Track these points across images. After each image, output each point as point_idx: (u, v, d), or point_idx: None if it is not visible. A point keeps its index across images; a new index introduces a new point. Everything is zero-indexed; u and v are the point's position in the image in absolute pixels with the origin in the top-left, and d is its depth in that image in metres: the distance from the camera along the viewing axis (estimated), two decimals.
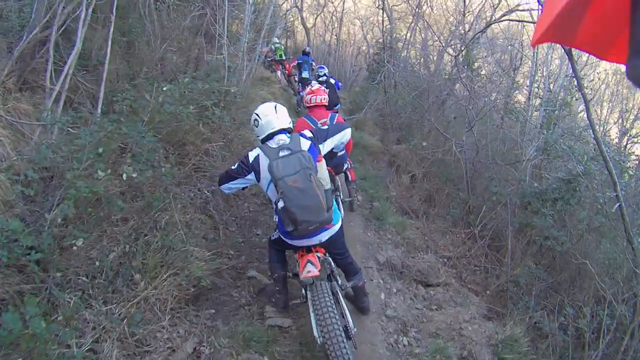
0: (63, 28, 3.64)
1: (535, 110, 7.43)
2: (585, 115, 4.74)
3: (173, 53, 5.89)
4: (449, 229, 6.22)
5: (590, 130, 4.52)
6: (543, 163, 6.19)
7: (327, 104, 4.66)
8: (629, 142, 11.26)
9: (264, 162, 2.69)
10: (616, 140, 11.46)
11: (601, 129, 10.90)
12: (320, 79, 8.32)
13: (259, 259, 4.24)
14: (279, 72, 12.05)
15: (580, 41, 0.91)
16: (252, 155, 2.81)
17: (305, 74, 10.40)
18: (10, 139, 3.07)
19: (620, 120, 12.67)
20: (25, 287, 2.40)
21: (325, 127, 4.38)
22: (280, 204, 2.53)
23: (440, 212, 6.71)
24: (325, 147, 2.94)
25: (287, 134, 2.84)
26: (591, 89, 9.44)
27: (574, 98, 7.51)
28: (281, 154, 2.63)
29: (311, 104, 4.58)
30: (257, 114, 2.88)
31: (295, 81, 11.23)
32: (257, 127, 2.88)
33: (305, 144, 2.77)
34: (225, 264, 3.85)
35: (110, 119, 3.54)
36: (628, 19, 0.67)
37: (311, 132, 2.91)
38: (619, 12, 0.73)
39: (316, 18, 20.03)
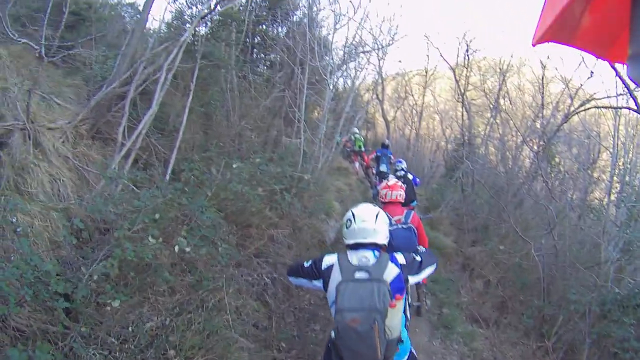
0: (142, 88, 4.03)
1: (614, 206, 7.31)
2: None
3: (251, 131, 6.23)
4: (520, 339, 6.03)
5: None
6: (624, 264, 6.09)
7: (402, 200, 4.63)
8: None
9: (335, 276, 2.40)
10: None
11: None
12: (398, 173, 8.47)
13: (311, 357, 4.00)
14: (356, 164, 12.43)
15: (581, 41, 0.97)
16: (326, 262, 2.53)
17: (383, 167, 10.67)
18: (73, 182, 3.28)
19: None
20: (50, 328, 2.35)
21: (400, 225, 4.30)
22: (332, 335, 2.27)
23: (513, 320, 6.47)
24: (415, 279, 2.62)
25: (376, 252, 2.51)
26: None
27: None
28: (357, 275, 2.34)
29: (386, 200, 4.56)
30: (353, 215, 2.60)
31: (373, 174, 11.50)
32: (347, 228, 2.59)
33: (391, 273, 2.41)
34: (273, 357, 3.66)
35: (175, 187, 3.67)
36: (628, 19, 0.74)
37: (404, 257, 2.57)
38: (619, 12, 0.79)
39: (396, 111, 20.89)
